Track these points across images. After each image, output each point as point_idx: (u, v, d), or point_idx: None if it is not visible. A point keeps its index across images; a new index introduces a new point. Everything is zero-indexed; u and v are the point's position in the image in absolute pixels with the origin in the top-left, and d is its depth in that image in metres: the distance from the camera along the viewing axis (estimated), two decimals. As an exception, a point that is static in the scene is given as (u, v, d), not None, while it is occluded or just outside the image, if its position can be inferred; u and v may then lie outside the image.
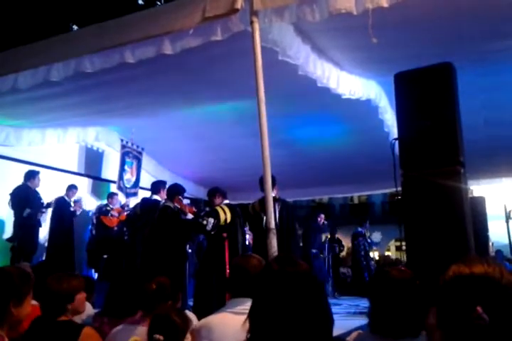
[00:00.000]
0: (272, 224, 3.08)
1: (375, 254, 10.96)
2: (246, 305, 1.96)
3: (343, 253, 10.79)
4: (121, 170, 7.99)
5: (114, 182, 8.11)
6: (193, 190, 9.46)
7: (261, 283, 1.25)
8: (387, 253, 18.77)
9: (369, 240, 9.99)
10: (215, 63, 4.48)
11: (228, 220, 5.37)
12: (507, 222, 12.74)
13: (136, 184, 8.30)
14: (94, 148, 8.08)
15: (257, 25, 3.32)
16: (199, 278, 5.42)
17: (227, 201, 5.68)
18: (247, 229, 6.52)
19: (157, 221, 5.51)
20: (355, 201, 24.18)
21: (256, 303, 1.24)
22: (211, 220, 5.24)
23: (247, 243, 6.80)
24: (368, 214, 20.77)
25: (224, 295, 4.76)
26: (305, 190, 9.63)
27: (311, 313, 1.15)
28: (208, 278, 5.16)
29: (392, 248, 20.48)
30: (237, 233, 5.41)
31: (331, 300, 8.15)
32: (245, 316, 1.84)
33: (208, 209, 5.94)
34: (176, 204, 5.64)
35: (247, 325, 1.25)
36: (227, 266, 4.99)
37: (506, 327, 1.02)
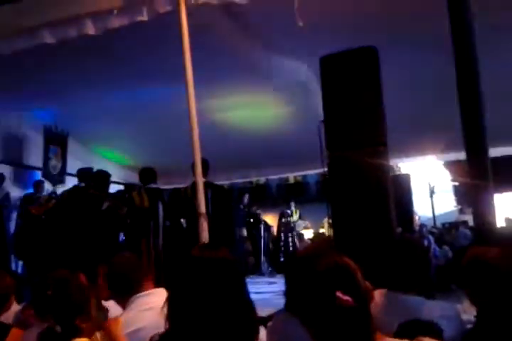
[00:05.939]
0: (203, 209, 3.09)
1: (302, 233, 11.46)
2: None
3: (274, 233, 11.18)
4: (46, 157, 7.65)
5: (39, 169, 7.74)
6: (125, 175, 9.22)
7: (180, 269, 1.25)
8: (321, 230, 19.41)
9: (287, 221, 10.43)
10: (141, 44, 4.35)
11: (146, 205, 5.31)
12: (431, 197, 13.54)
13: (62, 171, 7.99)
14: (18, 135, 7.63)
15: (183, 6, 3.26)
16: None
17: (154, 185, 5.64)
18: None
19: (83, 209, 5.38)
20: (291, 181, 24.64)
21: (175, 290, 1.24)
22: (125, 209, 5.25)
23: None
24: (304, 193, 21.40)
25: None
26: (240, 172, 9.68)
27: (229, 299, 1.16)
28: None
29: (326, 225, 21.19)
30: (157, 218, 5.35)
31: (267, 279, 8.36)
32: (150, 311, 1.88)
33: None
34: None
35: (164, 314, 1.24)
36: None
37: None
